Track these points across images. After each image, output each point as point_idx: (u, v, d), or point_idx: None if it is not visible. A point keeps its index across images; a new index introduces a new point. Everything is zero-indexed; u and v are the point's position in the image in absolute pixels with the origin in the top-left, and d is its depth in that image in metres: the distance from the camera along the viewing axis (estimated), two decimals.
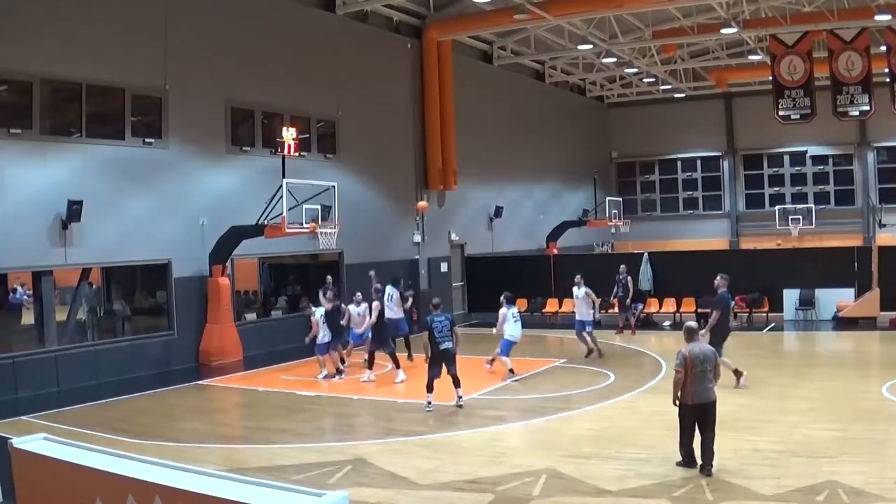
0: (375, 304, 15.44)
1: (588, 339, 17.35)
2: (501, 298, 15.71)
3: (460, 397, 12.77)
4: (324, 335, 15.60)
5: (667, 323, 23.06)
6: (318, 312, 15.70)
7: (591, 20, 26.03)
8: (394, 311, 16.94)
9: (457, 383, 12.72)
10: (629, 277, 21.43)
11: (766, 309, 22.30)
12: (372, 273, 18.76)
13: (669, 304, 23.40)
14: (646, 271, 23.80)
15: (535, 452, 10.18)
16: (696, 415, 8.83)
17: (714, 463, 8.75)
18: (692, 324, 9.32)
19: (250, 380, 16.14)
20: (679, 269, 23.74)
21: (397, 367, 15.14)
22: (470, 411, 12.61)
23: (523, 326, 15.96)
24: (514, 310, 15.71)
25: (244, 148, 19.81)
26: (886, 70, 23.61)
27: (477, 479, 9.05)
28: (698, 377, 8.77)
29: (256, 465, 9.75)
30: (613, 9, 23.72)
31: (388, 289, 17.17)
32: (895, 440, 10.09)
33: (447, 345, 12.68)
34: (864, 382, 13.82)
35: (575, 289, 17.58)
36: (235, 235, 18.03)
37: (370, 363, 15.36)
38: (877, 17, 23.30)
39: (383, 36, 24.57)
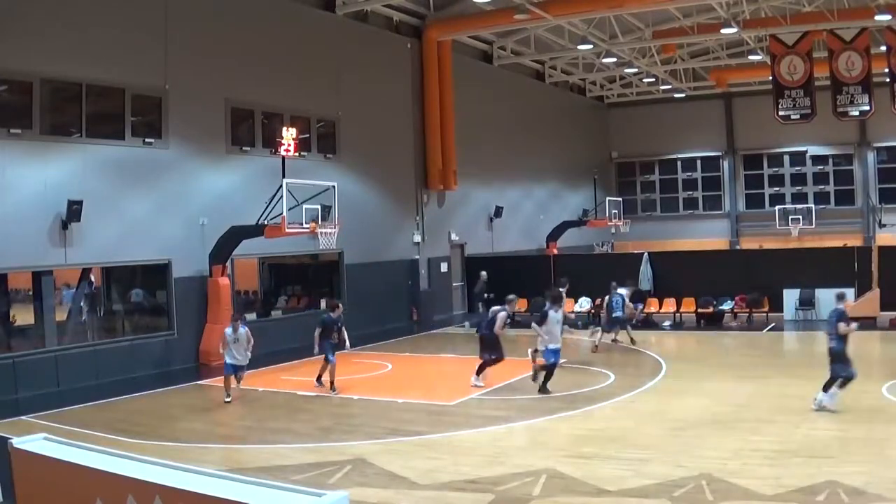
0: (503, 313, 14.32)
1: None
2: (548, 301, 13.89)
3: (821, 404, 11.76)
4: (228, 355, 14.19)
5: (667, 323, 23.05)
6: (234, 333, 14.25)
7: (591, 20, 26.04)
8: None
9: (835, 383, 11.74)
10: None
11: (766, 309, 22.28)
12: (483, 274, 21.17)
13: (669, 304, 23.38)
14: (646, 271, 23.79)
15: (535, 452, 10.18)
16: None
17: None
18: None
19: (250, 380, 16.05)
20: (679, 269, 23.76)
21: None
22: (470, 411, 12.62)
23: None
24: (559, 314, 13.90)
25: (244, 148, 19.81)
26: (886, 70, 23.61)
27: (477, 479, 9.04)
28: None
29: (256, 465, 9.74)
30: (613, 9, 23.73)
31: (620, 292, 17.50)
32: (895, 440, 10.09)
33: (830, 343, 11.93)
34: (864, 382, 13.74)
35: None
36: (235, 235, 18.03)
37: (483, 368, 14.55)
38: (877, 17, 23.30)
39: (383, 36, 24.57)
